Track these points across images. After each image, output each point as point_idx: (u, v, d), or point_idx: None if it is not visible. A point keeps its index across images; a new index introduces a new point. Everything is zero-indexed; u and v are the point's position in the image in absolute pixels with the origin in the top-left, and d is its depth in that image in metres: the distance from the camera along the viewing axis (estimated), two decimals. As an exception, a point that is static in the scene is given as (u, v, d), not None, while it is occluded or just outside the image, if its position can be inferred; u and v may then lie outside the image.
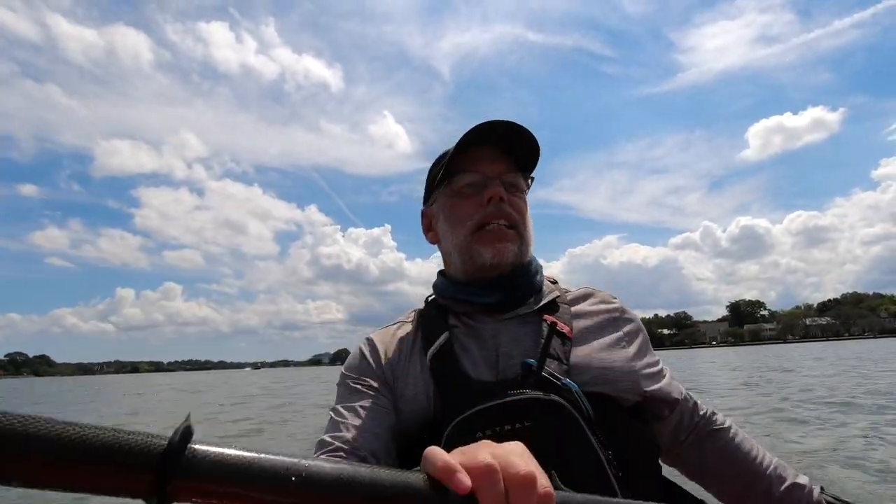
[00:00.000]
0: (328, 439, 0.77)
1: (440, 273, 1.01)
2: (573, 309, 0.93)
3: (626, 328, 0.92)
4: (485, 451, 0.41)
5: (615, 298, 0.98)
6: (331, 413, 0.84)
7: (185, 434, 0.33)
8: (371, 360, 0.90)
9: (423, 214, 1.02)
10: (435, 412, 0.81)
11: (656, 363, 0.91)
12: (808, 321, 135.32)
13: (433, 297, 0.99)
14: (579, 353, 0.84)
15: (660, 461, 0.87)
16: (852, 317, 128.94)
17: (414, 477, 0.38)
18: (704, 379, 14.96)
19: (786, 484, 0.86)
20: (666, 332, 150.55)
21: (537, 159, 0.93)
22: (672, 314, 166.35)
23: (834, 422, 6.46)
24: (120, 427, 0.33)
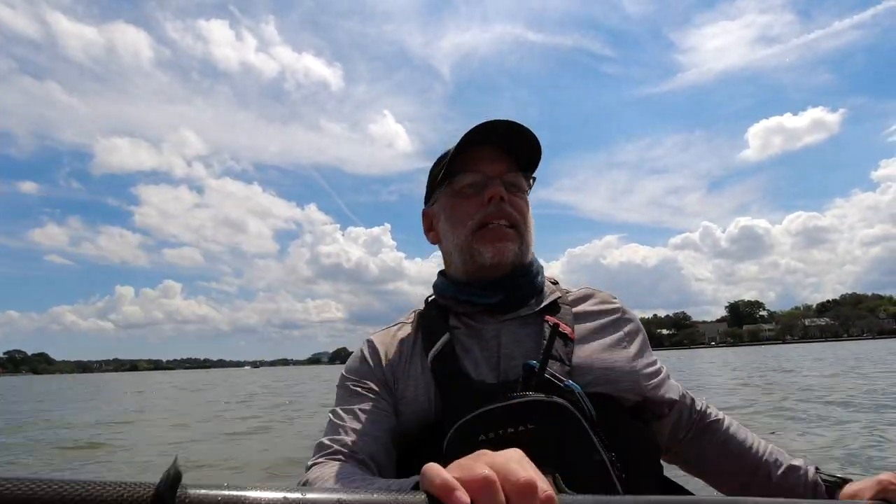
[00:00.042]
0: (327, 442, 0.77)
1: (441, 273, 1.01)
2: (574, 310, 0.93)
3: (627, 328, 0.93)
4: (482, 463, 0.41)
5: (615, 298, 0.99)
6: (330, 415, 0.84)
7: (175, 479, 0.32)
8: (371, 362, 0.89)
9: (424, 214, 1.02)
10: (436, 414, 0.81)
11: (655, 363, 0.92)
12: (806, 322, 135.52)
13: (433, 297, 0.99)
14: (581, 354, 0.84)
15: (660, 461, 0.88)
16: (851, 318, 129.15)
17: (413, 498, 0.38)
18: (704, 379, 15.04)
19: (783, 468, 0.88)
20: (665, 332, 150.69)
21: (539, 159, 0.93)
22: (671, 314, 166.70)
23: (832, 420, 6.53)
24: (100, 479, 0.31)
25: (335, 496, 0.35)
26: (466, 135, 0.86)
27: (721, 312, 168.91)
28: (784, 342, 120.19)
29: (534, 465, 0.42)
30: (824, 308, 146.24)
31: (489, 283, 0.90)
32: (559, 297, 0.94)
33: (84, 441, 7.42)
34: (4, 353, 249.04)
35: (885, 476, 0.72)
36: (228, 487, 0.34)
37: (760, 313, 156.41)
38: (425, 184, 1.02)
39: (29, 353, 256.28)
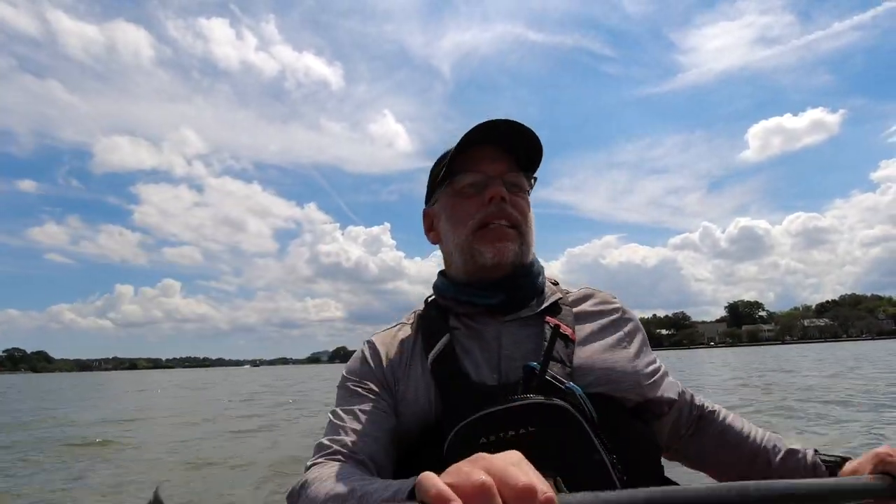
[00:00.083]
0: (326, 442, 0.77)
1: (441, 273, 1.00)
2: (574, 310, 0.93)
3: (627, 328, 0.92)
4: (479, 469, 0.40)
5: (615, 298, 0.99)
6: (330, 416, 0.83)
7: None
8: (372, 363, 0.89)
9: (425, 214, 1.01)
10: (436, 416, 0.80)
11: (655, 361, 0.92)
12: (806, 322, 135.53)
13: (433, 297, 0.98)
14: (582, 355, 0.84)
15: (661, 460, 0.88)
16: (850, 318, 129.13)
17: None
18: (703, 379, 15.12)
19: (781, 454, 0.88)
20: (664, 332, 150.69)
21: (540, 159, 0.92)
22: (670, 314, 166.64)
23: (831, 419, 6.61)
24: None
25: None
26: (467, 134, 0.85)
27: (720, 313, 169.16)
28: (783, 343, 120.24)
29: (533, 468, 0.41)
30: (823, 309, 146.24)
31: (490, 284, 0.89)
32: (560, 299, 0.94)
33: (92, 439, 7.49)
34: (4, 352, 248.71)
35: (881, 449, 0.73)
36: None
37: (760, 314, 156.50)
38: (425, 183, 1.01)
39: (28, 351, 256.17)
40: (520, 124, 0.87)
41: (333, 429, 0.79)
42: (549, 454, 0.68)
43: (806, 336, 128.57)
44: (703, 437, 0.94)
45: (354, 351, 0.98)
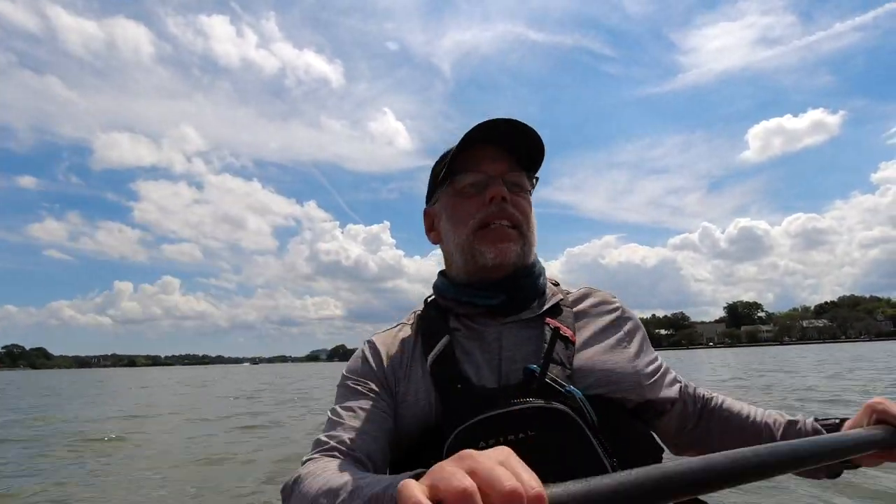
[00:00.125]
0: (324, 439, 0.76)
1: (441, 273, 0.99)
2: (574, 310, 0.92)
3: (626, 327, 0.92)
4: (462, 472, 0.37)
5: (615, 298, 0.98)
6: (329, 413, 0.83)
7: None
8: (373, 363, 0.88)
9: (426, 214, 1.00)
10: (436, 417, 0.80)
11: (656, 359, 0.92)
12: (804, 323, 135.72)
13: (432, 297, 0.97)
14: (582, 357, 0.83)
15: (665, 456, 0.87)
16: (849, 319, 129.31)
17: None
18: (703, 379, 15.22)
19: (782, 428, 0.88)
20: (663, 332, 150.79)
21: (542, 158, 0.91)
22: (669, 315, 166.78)
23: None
24: None
25: None
26: (468, 133, 0.84)
27: (719, 313, 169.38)
28: (782, 343, 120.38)
29: (522, 464, 0.39)
30: (822, 310, 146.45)
31: (491, 285, 0.88)
32: (561, 300, 0.93)
33: (103, 435, 7.56)
34: (2, 348, 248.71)
35: (872, 401, 0.74)
36: None
37: (758, 314, 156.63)
38: (425, 182, 1.00)
39: (27, 347, 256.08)
40: (521, 123, 0.86)
41: (332, 425, 0.79)
42: (549, 458, 0.68)
43: (805, 337, 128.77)
44: (708, 426, 0.94)
45: (353, 349, 0.98)
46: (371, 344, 0.92)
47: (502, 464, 0.38)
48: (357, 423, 0.78)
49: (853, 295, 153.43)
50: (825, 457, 0.56)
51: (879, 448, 0.65)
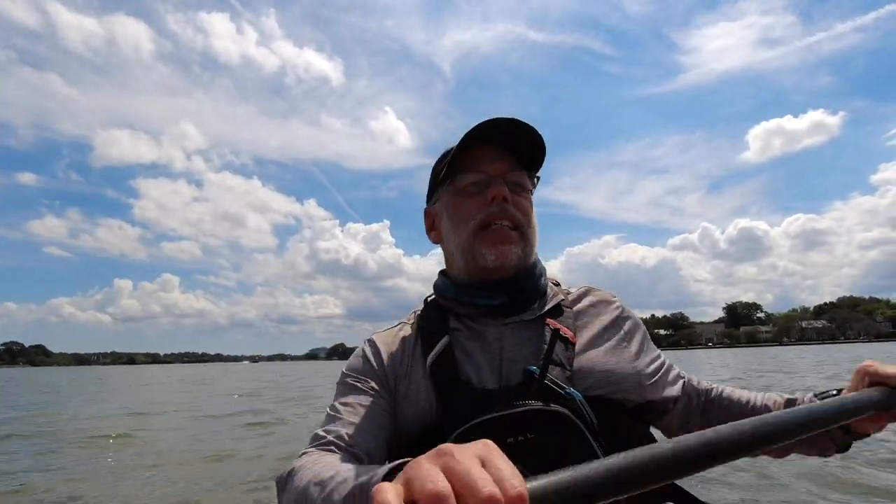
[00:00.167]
0: (322, 433, 0.77)
1: (441, 273, 0.99)
2: (575, 309, 0.92)
3: (626, 326, 0.92)
4: (438, 472, 0.35)
5: (615, 297, 0.98)
6: (328, 409, 0.83)
7: None
8: (374, 362, 0.88)
9: (426, 213, 1.00)
10: (436, 418, 0.80)
11: (657, 357, 0.91)
12: (803, 324, 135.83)
13: (432, 297, 0.97)
14: (583, 358, 0.83)
15: None
16: (848, 320, 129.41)
17: None
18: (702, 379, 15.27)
19: (782, 406, 0.88)
20: (662, 332, 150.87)
21: (543, 158, 0.91)
22: (669, 315, 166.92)
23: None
24: None
25: None
26: (469, 133, 0.84)
27: (718, 313, 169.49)
28: (781, 344, 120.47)
29: (505, 459, 0.36)
30: (821, 310, 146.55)
31: (492, 285, 0.88)
32: (562, 300, 0.93)
33: (108, 432, 7.61)
34: (2, 345, 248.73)
35: (863, 364, 0.75)
36: None
37: (757, 315, 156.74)
38: (425, 180, 0.99)
39: (26, 344, 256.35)
40: (522, 123, 0.85)
41: (330, 421, 0.79)
42: (548, 461, 0.68)
43: (804, 338, 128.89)
44: (709, 417, 0.95)
45: (352, 348, 0.97)
46: (372, 342, 0.92)
47: (483, 459, 0.36)
48: (355, 420, 0.78)
49: (852, 296, 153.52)
50: (823, 423, 0.55)
51: (876, 409, 0.65)
